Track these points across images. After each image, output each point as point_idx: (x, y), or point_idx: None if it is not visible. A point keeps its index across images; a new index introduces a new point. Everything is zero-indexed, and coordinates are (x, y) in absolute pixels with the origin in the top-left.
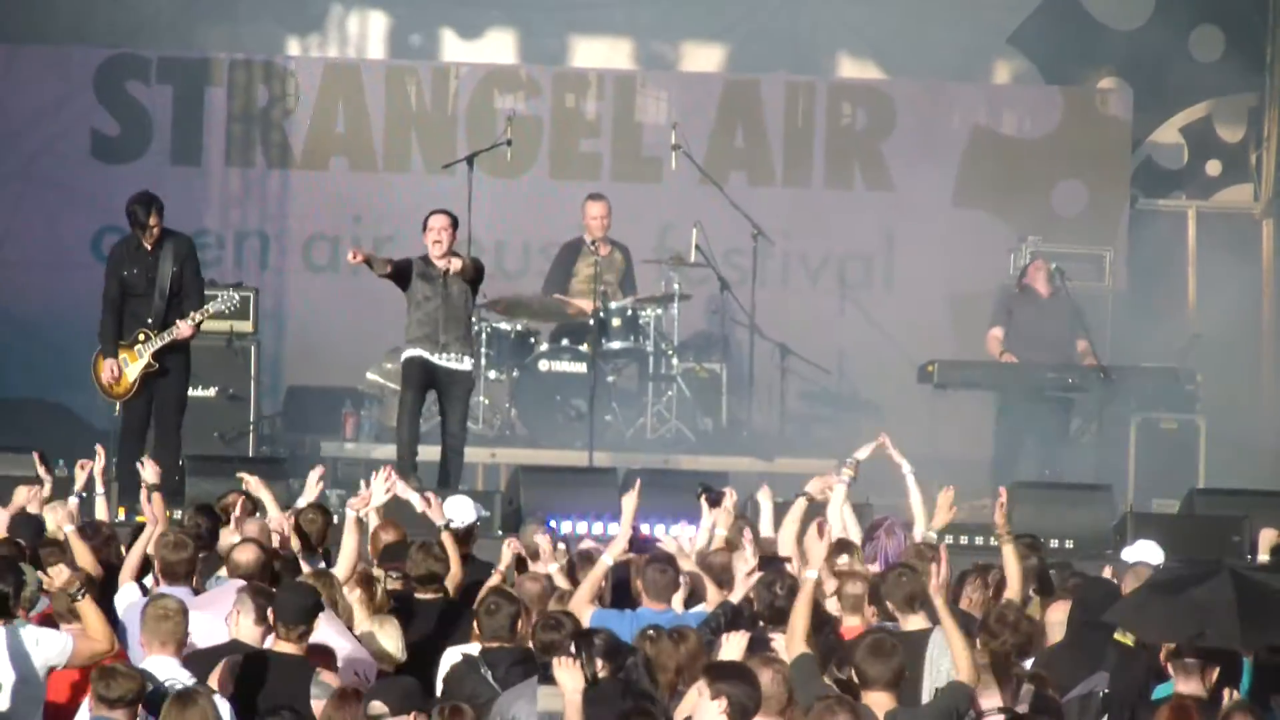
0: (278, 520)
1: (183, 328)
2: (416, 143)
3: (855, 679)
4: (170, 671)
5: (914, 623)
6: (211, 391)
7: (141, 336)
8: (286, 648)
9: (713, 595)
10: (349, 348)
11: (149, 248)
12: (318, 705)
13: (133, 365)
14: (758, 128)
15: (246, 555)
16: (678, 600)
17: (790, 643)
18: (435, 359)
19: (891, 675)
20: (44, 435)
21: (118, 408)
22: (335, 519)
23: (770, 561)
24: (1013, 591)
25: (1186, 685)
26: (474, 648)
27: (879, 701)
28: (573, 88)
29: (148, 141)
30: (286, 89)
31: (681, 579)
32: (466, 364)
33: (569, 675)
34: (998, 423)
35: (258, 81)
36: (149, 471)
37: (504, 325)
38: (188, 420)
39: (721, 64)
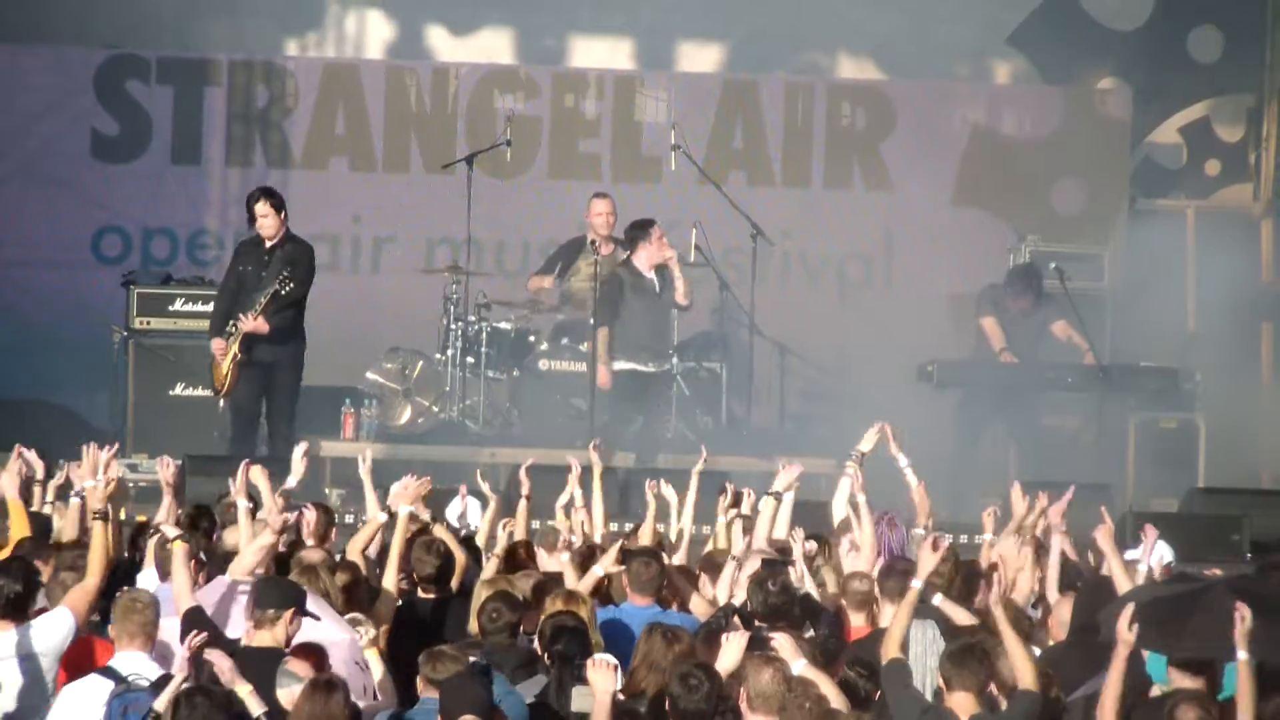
0: (273, 515)
1: (246, 322)
2: (416, 143)
3: (942, 683)
4: (139, 666)
5: (886, 617)
6: (210, 391)
7: (231, 328)
8: (264, 639)
9: (698, 596)
10: (349, 347)
11: (267, 246)
12: (285, 695)
13: (224, 359)
14: (757, 127)
15: (315, 555)
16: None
17: (886, 647)
18: (648, 368)
19: (979, 682)
20: (45, 436)
21: (220, 404)
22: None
23: (773, 562)
24: (1023, 593)
25: (1191, 683)
26: None
27: (963, 704)
28: (572, 88)
29: (147, 141)
30: (286, 89)
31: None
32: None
33: (601, 676)
34: (959, 417)
35: (257, 81)
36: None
37: (504, 325)
38: (186, 420)
39: (721, 64)
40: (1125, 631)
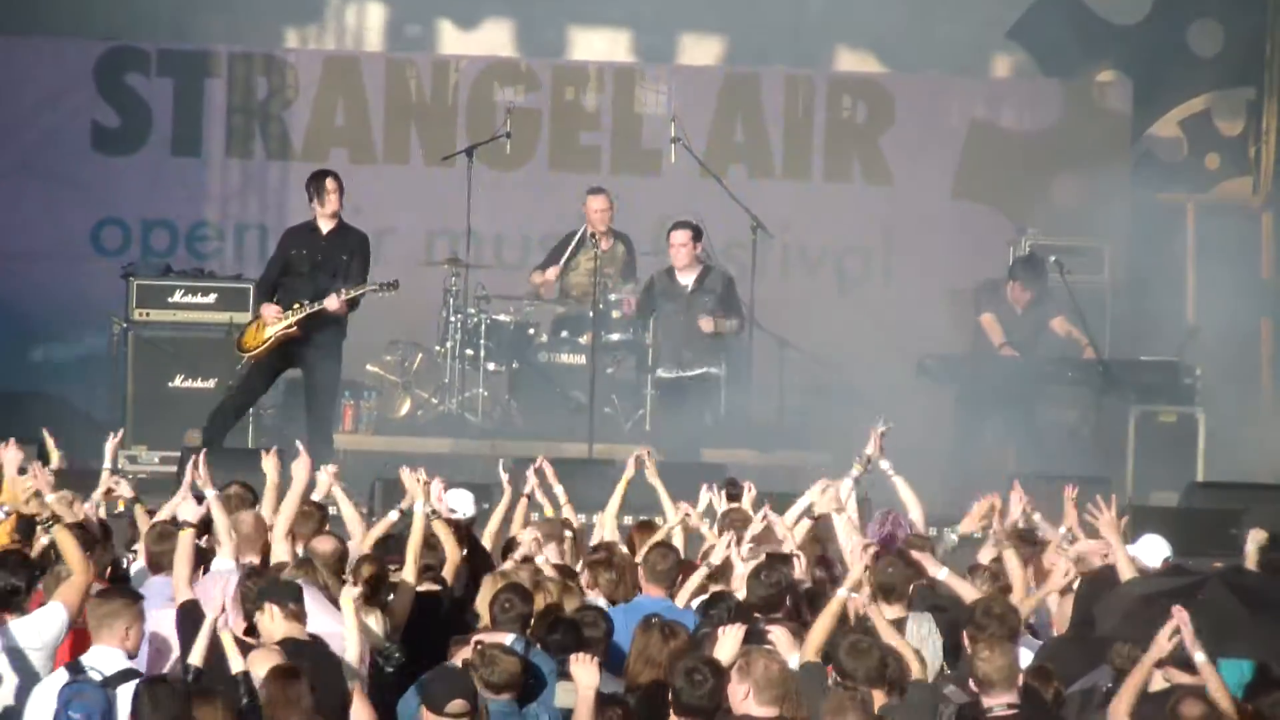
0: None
1: (333, 301)
2: (416, 135)
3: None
4: (106, 661)
5: (889, 612)
6: (210, 383)
7: (296, 306)
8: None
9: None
10: (349, 339)
11: (323, 232)
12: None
13: (274, 325)
14: (757, 121)
15: (326, 545)
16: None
17: (805, 651)
18: (676, 375)
19: (874, 672)
20: (44, 429)
21: (242, 360)
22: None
23: (780, 557)
24: (1017, 595)
25: (1189, 678)
26: None
27: (871, 696)
28: (572, 80)
29: (147, 133)
30: (286, 81)
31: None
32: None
33: (585, 671)
34: (958, 411)
35: (257, 73)
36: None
37: (503, 317)
38: (185, 411)
39: (721, 57)
40: (1165, 642)
